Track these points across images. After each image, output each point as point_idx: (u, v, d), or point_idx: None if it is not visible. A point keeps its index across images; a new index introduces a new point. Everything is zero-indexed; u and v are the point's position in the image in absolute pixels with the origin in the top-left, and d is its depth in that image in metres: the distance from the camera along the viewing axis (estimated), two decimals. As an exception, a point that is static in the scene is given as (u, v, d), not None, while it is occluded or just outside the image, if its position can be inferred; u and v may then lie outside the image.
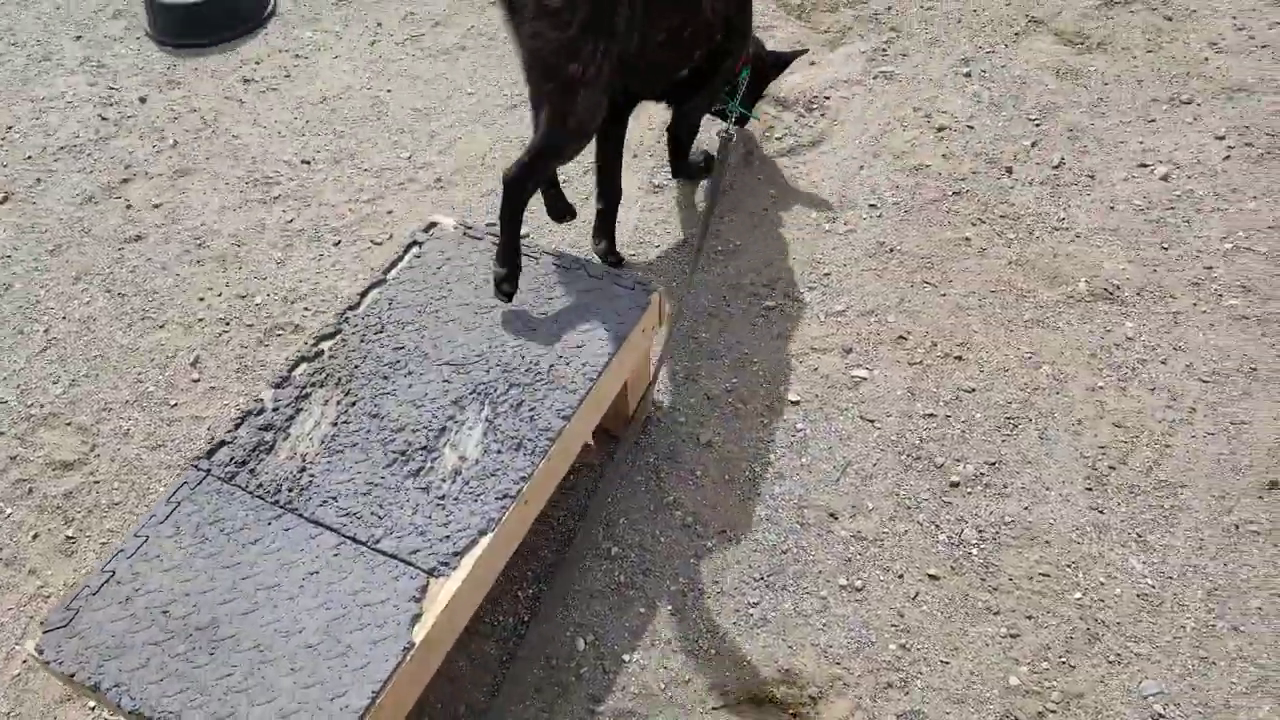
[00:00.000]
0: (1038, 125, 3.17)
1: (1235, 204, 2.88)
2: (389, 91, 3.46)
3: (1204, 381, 2.49)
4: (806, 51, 3.13)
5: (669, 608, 2.18)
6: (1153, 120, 3.15)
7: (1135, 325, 2.63)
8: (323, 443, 1.98)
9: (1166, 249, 2.80)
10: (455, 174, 3.16)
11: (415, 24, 3.72)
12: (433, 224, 2.41)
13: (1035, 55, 3.40)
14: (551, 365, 2.09)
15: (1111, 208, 2.92)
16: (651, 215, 3.01)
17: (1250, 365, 2.52)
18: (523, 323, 2.18)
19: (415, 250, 2.35)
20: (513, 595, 2.22)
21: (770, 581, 2.22)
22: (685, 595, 2.20)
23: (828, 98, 3.34)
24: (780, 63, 3.00)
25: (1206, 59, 3.32)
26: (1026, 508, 2.31)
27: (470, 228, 2.39)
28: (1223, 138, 3.07)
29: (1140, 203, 2.92)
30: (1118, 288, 2.72)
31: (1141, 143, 3.09)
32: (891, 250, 2.88)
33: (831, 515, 2.33)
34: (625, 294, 2.22)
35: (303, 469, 1.94)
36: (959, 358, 2.61)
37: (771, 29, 3.57)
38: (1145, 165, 3.02)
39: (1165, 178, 2.98)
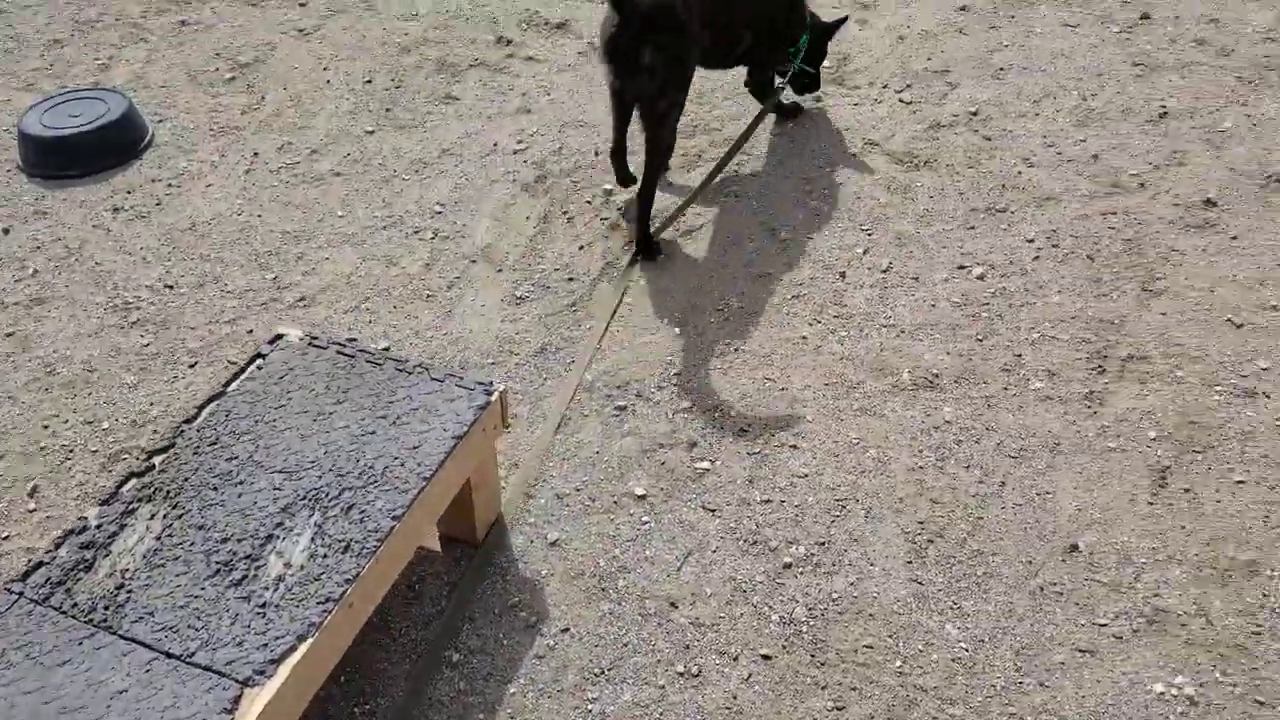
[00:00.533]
0: (869, 234, 3.45)
1: (1042, 298, 3.16)
2: (259, 216, 3.61)
3: (1012, 458, 2.70)
4: (848, 18, 4.02)
5: (508, 711, 2.22)
6: (972, 227, 3.45)
7: (952, 409, 2.84)
8: (145, 558, 1.99)
9: (981, 340, 3.04)
10: (320, 293, 3.30)
11: (292, 153, 3.90)
12: (278, 336, 2.52)
13: (869, 173, 3.71)
14: (386, 467, 2.17)
15: (933, 305, 3.17)
16: (513, 325, 3.17)
17: (1054, 441, 2.74)
18: (361, 427, 2.27)
19: (259, 362, 2.44)
20: (350, 712, 2.24)
21: (610, 675, 2.30)
22: (526, 697, 2.25)
23: (683, 215, 3.58)
24: (830, 29, 3.88)
25: (1020, 173, 3.67)
26: (853, 584, 2.45)
27: (316, 338, 2.50)
28: (1033, 240, 3.38)
29: (958, 300, 3.18)
30: (937, 376, 2.94)
31: (961, 247, 3.38)
32: (736, 350, 3.07)
33: (672, 604, 2.43)
34: (466, 394, 2.34)
35: (121, 585, 1.93)
36: (794, 446, 2.78)
37: (631, 154, 3.83)
38: (964, 267, 3.30)
39: (981, 277, 3.26)
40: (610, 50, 3.20)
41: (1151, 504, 2.59)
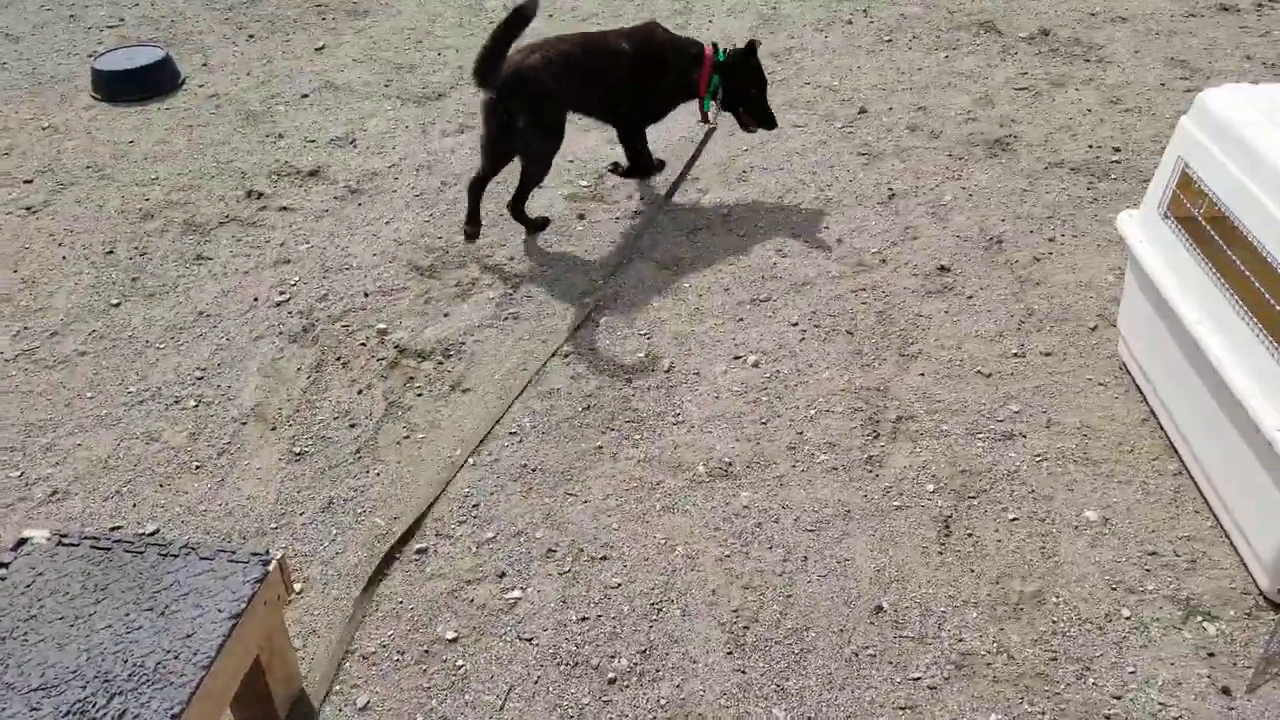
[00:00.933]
0: (648, 338, 3.56)
1: (813, 376, 3.34)
2: None
3: (810, 531, 2.80)
4: (756, 41, 4.19)
5: None
6: (741, 319, 3.63)
7: (749, 494, 2.93)
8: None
9: (765, 423, 3.17)
10: (74, 483, 3.05)
11: (29, 337, 3.64)
12: (22, 541, 2.30)
13: (641, 281, 3.85)
14: (159, 662, 2.00)
15: (716, 397, 3.29)
16: (294, 484, 3.04)
17: (845, 509, 2.87)
18: (125, 624, 2.08)
19: (0, 574, 2.22)
20: None
21: (447, 823, 2.17)
22: None
23: (463, 343, 3.58)
24: (744, 54, 4.14)
25: (775, 263, 3.90)
26: (678, 686, 2.44)
27: (65, 535, 2.29)
28: (796, 324, 3.58)
29: (739, 388, 3.32)
30: (730, 464, 3.03)
31: (734, 339, 3.54)
32: (534, 470, 3.06)
33: (502, 740, 2.34)
34: (240, 569, 2.20)
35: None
36: (604, 558, 2.77)
37: (403, 290, 3.82)
38: (739, 357, 3.45)
39: (756, 364, 3.41)
40: (486, 114, 3.86)
41: (941, 553, 2.73)
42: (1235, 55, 5.28)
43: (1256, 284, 2.47)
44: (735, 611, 2.60)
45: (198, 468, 3.11)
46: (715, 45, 4.14)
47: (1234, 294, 2.56)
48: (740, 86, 4.19)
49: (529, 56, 3.80)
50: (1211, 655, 2.45)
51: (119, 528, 2.89)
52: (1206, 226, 2.71)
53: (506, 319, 3.69)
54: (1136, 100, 4.87)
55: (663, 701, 2.40)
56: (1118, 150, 4.48)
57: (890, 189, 4.31)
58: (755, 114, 4.27)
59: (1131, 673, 2.42)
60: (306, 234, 4.16)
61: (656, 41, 4.10)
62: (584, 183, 4.45)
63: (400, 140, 4.80)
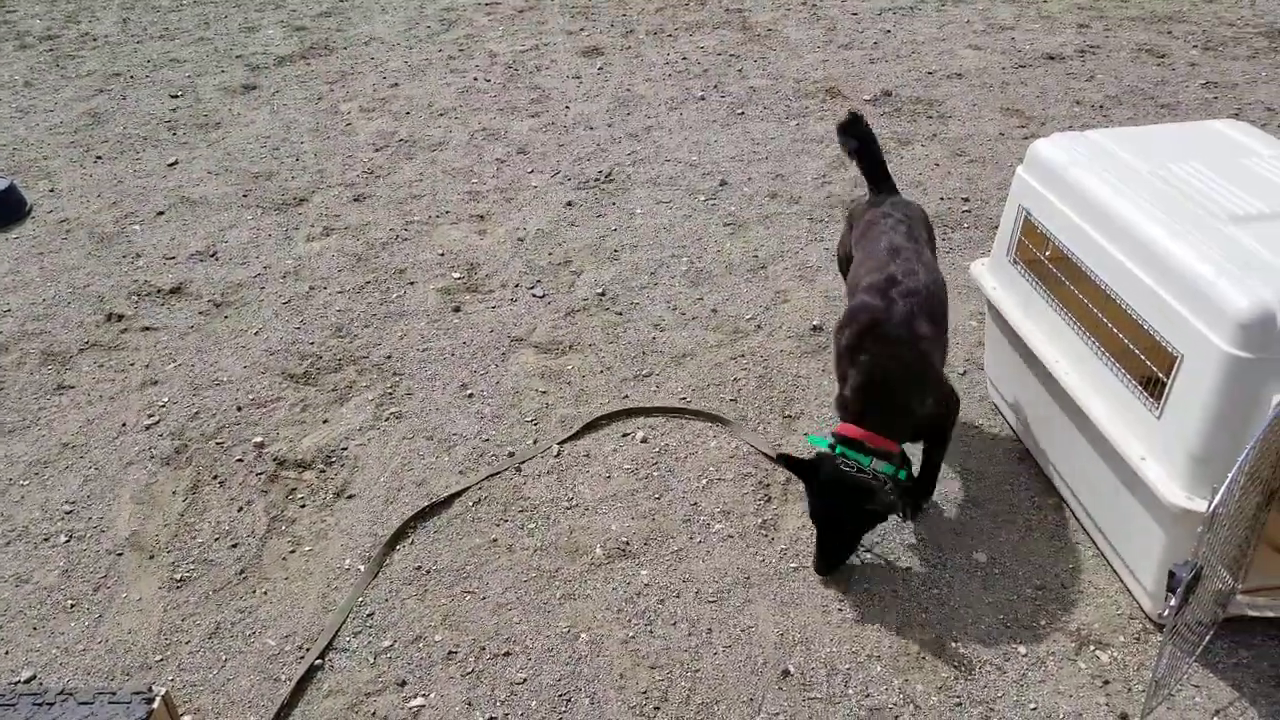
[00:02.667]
0: (536, 425, 3.55)
1: (700, 446, 3.38)
2: None
3: (712, 602, 2.80)
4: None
5: None
6: (626, 396, 3.65)
7: (649, 572, 2.92)
8: None
9: (658, 498, 3.18)
10: (-58, 634, 2.85)
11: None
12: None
13: (523, 367, 3.85)
14: (44, 814, 1.89)
15: (608, 477, 3.29)
16: (177, 612, 2.90)
17: (744, 576, 2.88)
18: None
19: None
20: None
21: None
22: None
23: (344, 448, 3.50)
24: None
25: (654, 338, 3.96)
26: (593, 775, 2.38)
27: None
28: (683, 397, 3.62)
29: (630, 466, 3.32)
30: (628, 544, 3.02)
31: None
32: (428, 571, 2.99)
33: None
34: (122, 710, 2.09)
35: None
36: (507, 654, 2.72)
37: (278, 400, 3.73)
38: (627, 434, 3.47)
39: (645, 440, 3.43)
40: None
41: (841, 610, 2.77)
42: (1065, 101, 5.67)
43: (1103, 319, 2.62)
44: (644, 693, 2.57)
45: (73, 606, 2.94)
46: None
47: (1085, 330, 2.71)
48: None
49: None
50: (1107, 683, 2.53)
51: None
52: (1052, 268, 2.87)
53: (388, 419, 3.64)
54: (979, 151, 5.17)
55: (579, 797, 2.34)
56: (967, 200, 4.73)
57: (758, 255, 4.44)
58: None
59: (1034, 709, 2.48)
60: (173, 353, 4.04)
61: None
62: (456, 275, 4.45)
63: (264, 248, 4.73)
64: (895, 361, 2.74)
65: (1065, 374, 2.76)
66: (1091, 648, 2.62)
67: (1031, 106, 5.62)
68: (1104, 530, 2.81)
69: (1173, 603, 2.08)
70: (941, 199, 4.75)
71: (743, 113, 5.79)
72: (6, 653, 2.79)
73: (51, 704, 2.11)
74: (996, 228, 3.29)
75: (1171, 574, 2.08)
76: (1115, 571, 2.81)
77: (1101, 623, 2.68)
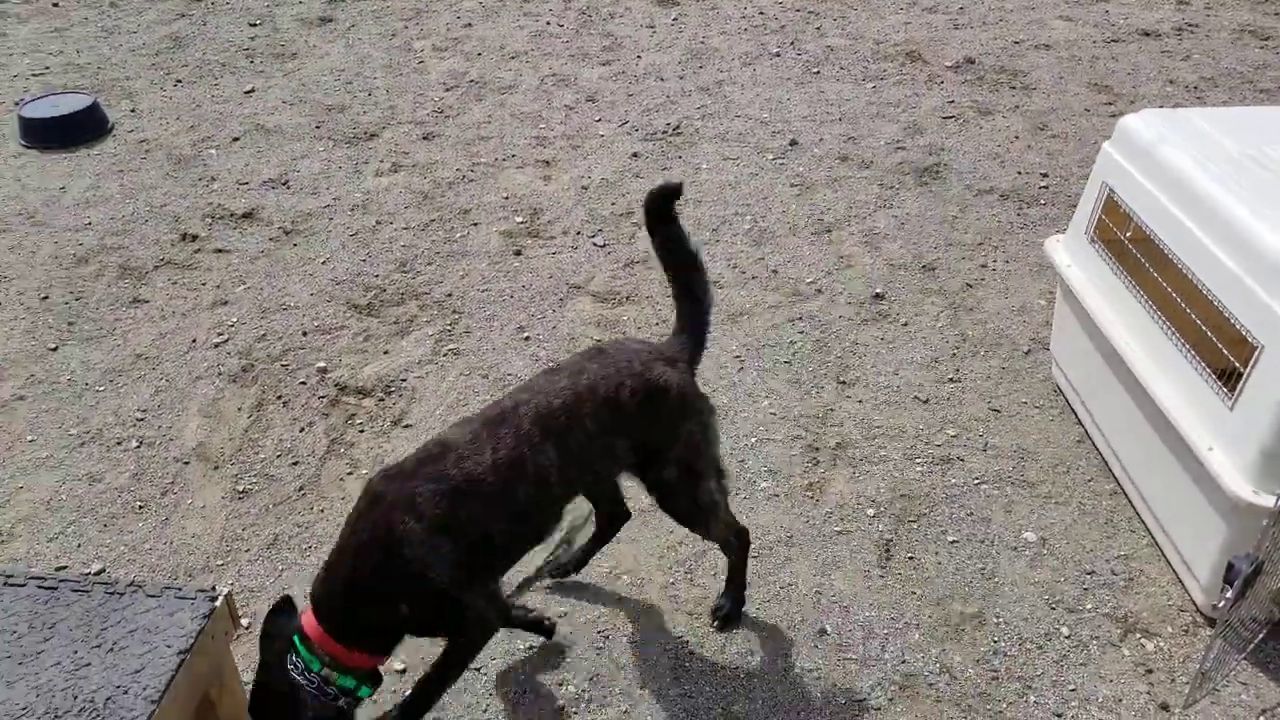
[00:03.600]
0: (589, 371, 3.57)
1: (752, 406, 3.38)
2: (-68, 458, 3.25)
3: (753, 558, 2.81)
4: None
5: None
6: (681, 350, 3.66)
7: (693, 523, 2.95)
8: None
9: (707, 453, 3.20)
10: (17, 525, 2.98)
11: (-36, 385, 3.56)
12: (-34, 582, 2.25)
13: (579, 314, 3.87)
14: (109, 698, 1.97)
15: (659, 428, 3.31)
16: (239, 522, 2.99)
17: (787, 535, 2.90)
18: (74, 661, 2.05)
19: (-54, 615, 2.17)
20: None
21: None
22: None
23: (404, 380, 3.56)
24: None
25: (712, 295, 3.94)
26: (625, 711, 2.43)
27: (11, 576, 2.25)
28: (736, 354, 3.63)
29: (681, 419, 3.34)
30: (674, 495, 3.04)
31: (675, 370, 3.56)
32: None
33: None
34: (187, 606, 2.17)
35: None
36: (549, 587, 2.77)
37: (342, 328, 3.80)
38: (681, 387, 3.48)
39: (698, 394, 3.44)
40: None
41: (883, 576, 2.77)
42: (1158, 80, 5.50)
43: (1182, 304, 2.56)
44: (680, 638, 2.61)
45: (141, 507, 3.05)
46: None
47: (1161, 314, 2.66)
48: None
49: None
50: (1150, 672, 2.51)
51: (64, 568, 2.82)
52: (1132, 249, 2.81)
53: (446, 354, 3.69)
54: (1062, 126, 5.04)
55: (612, 733, 2.40)
56: (1045, 176, 4.63)
57: (823, 219, 4.40)
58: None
59: (1072, 690, 2.47)
60: (243, 275, 4.13)
61: None
62: (519, 219, 4.47)
63: (334, 180, 4.78)
64: (375, 553, 2.09)
65: (1136, 358, 2.71)
66: (1137, 635, 2.60)
67: (1121, 83, 5.47)
68: (1161, 519, 2.77)
69: (1229, 595, 2.05)
70: (1019, 173, 4.66)
71: (818, 72, 5.70)
72: (79, 546, 2.91)
73: (122, 594, 2.20)
74: (1074, 205, 3.22)
75: (1230, 566, 2.05)
76: (1168, 561, 2.78)
77: (1150, 611, 2.66)
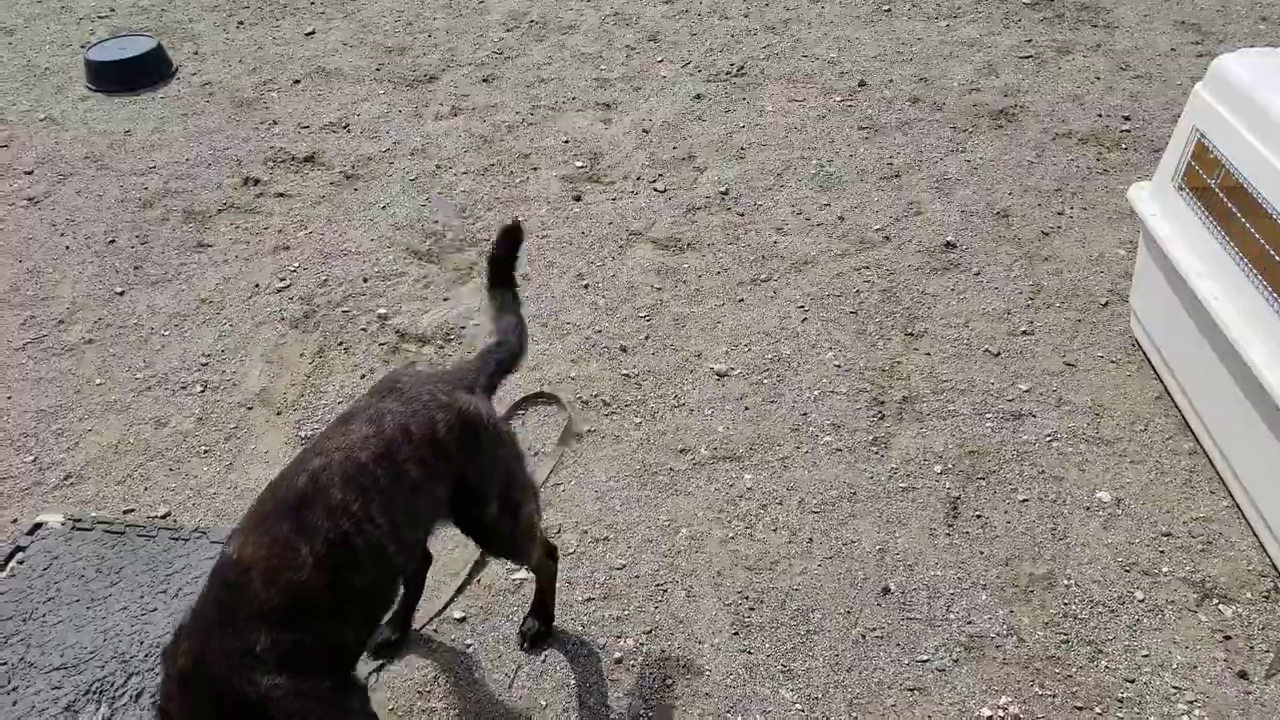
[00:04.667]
0: (648, 320, 3.52)
1: (815, 358, 3.30)
2: (9, 398, 3.31)
3: (815, 513, 2.77)
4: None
5: None
6: (742, 300, 3.59)
7: (752, 476, 2.90)
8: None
9: (768, 405, 3.14)
10: (86, 467, 3.04)
11: (37, 326, 3.63)
12: (37, 525, 2.30)
13: (639, 262, 3.81)
14: (173, 642, 2.01)
15: (719, 379, 3.25)
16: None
17: (850, 490, 2.84)
18: (140, 606, 2.10)
19: (18, 557, 2.23)
20: None
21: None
22: None
23: (463, 328, 3.55)
24: None
25: (775, 242, 3.85)
26: (684, 666, 2.42)
27: (79, 521, 2.30)
28: (799, 304, 3.54)
29: (741, 370, 3.28)
30: (733, 447, 3.00)
31: (735, 320, 3.49)
32: (536, 453, 3.03)
33: (508, 725, 2.33)
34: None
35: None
36: (607, 539, 2.75)
37: (402, 275, 3.78)
38: (740, 338, 3.41)
39: (758, 346, 3.37)
40: None
41: (949, 535, 2.70)
42: (1249, 17, 5.20)
43: (1276, 256, 2.42)
44: (740, 593, 2.58)
45: (206, 452, 3.09)
46: None
47: (1252, 267, 2.51)
48: None
49: None
50: (1228, 638, 2.42)
51: (131, 510, 2.87)
52: (1223, 198, 2.66)
53: (507, 301, 3.65)
54: (1146, 66, 4.80)
55: (669, 681, 2.38)
56: (1127, 119, 4.42)
57: (892, 164, 4.25)
58: None
59: (1145, 656, 2.39)
60: (304, 220, 4.13)
61: None
62: (579, 163, 4.40)
63: (394, 124, 4.75)
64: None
65: (1224, 312, 2.57)
66: (1215, 601, 2.50)
67: (1210, 21, 5.18)
68: (1244, 481, 2.65)
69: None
70: (1099, 115, 4.45)
71: (889, 9, 5.49)
72: (146, 489, 2.96)
73: (186, 540, 2.24)
74: (1158, 150, 3.06)
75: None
76: (1250, 525, 2.66)
77: (1229, 576, 2.56)
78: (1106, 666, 2.37)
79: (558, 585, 2.53)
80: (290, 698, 1.68)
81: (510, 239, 2.26)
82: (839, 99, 4.73)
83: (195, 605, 1.72)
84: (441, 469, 1.94)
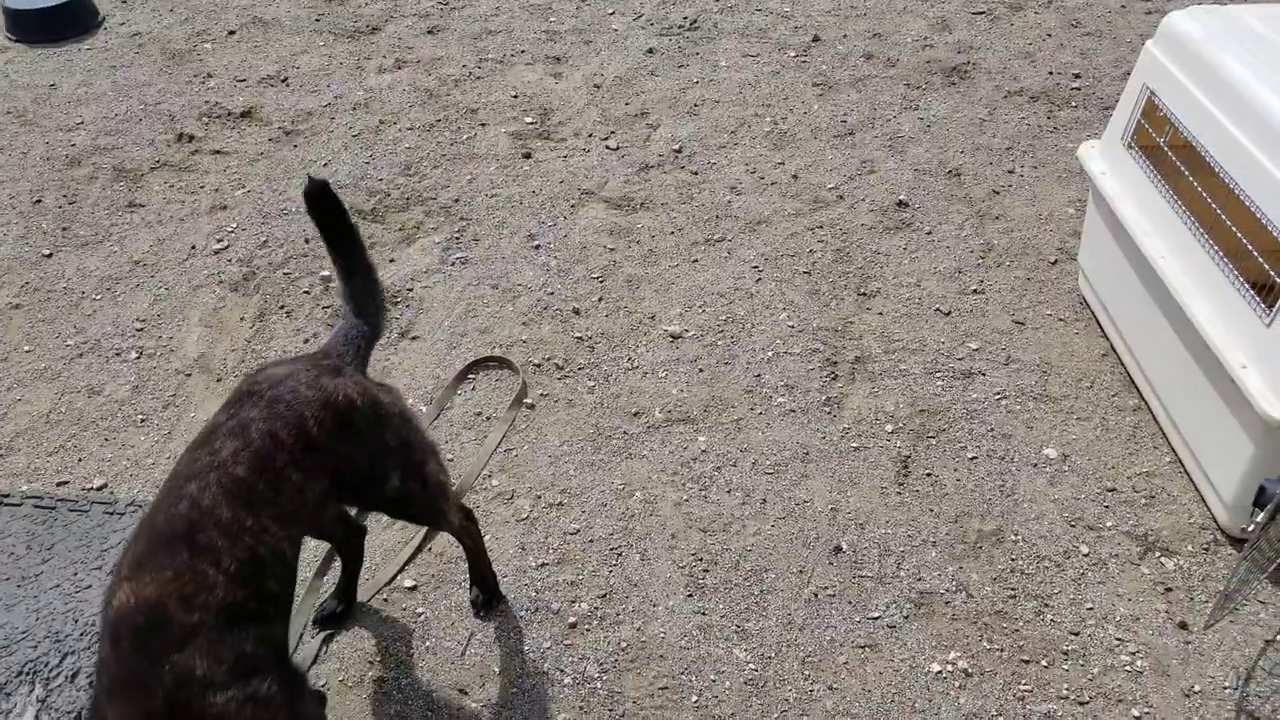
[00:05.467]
0: (601, 282, 3.47)
1: (769, 318, 3.28)
2: (-69, 366, 3.19)
3: (769, 474, 2.77)
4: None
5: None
6: (696, 260, 3.55)
7: (706, 438, 2.88)
8: None
9: (721, 366, 3.12)
10: (16, 439, 2.93)
11: (-40, 292, 3.48)
12: (-36, 499, 2.21)
13: (591, 222, 3.75)
14: (111, 618, 1.95)
15: (671, 340, 3.22)
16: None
17: (803, 451, 2.83)
18: (74, 584, 2.03)
19: (-55, 532, 2.14)
20: None
21: (407, 780, 2.14)
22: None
23: (410, 289, 3.47)
24: None
25: (729, 201, 3.81)
26: (639, 629, 2.41)
27: (7, 496, 2.22)
28: (753, 264, 3.51)
29: (695, 332, 3.25)
30: (687, 409, 2.98)
31: (690, 280, 3.46)
32: (488, 418, 2.98)
33: (461, 691, 2.30)
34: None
35: None
36: (560, 504, 2.72)
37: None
38: (694, 299, 3.38)
39: (711, 307, 3.35)
40: None
41: (900, 494, 2.72)
42: (1192, -22, 5.22)
43: (1222, 215, 2.44)
44: (694, 554, 2.57)
45: (143, 421, 3.00)
46: None
47: (1199, 226, 2.53)
48: None
49: None
50: (1169, 590, 2.46)
51: (66, 483, 2.78)
52: (1172, 156, 2.67)
53: (454, 264, 3.58)
54: (1096, 24, 4.81)
55: (624, 644, 2.37)
56: (1078, 76, 4.42)
57: (846, 121, 4.22)
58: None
59: (1089, 609, 2.43)
60: (242, 178, 4.00)
61: None
62: (529, 119, 4.31)
63: (335, 77, 4.61)
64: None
65: (1170, 270, 2.59)
66: (1157, 554, 2.55)
67: (1157, -22, 5.19)
68: (1186, 437, 2.69)
69: (1259, 519, 1.99)
70: (1050, 73, 4.45)
71: (842, -35, 5.43)
72: (80, 460, 2.87)
73: (122, 514, 2.17)
74: (1108, 108, 3.07)
75: (1262, 489, 1.98)
76: (1191, 479, 2.71)
77: (1170, 530, 2.60)
78: (1052, 620, 2.41)
79: (511, 551, 2.50)
80: (246, 705, 1.61)
81: (316, 203, 2.07)
82: (793, 54, 4.67)
83: (108, 678, 1.58)
84: (325, 465, 1.86)
